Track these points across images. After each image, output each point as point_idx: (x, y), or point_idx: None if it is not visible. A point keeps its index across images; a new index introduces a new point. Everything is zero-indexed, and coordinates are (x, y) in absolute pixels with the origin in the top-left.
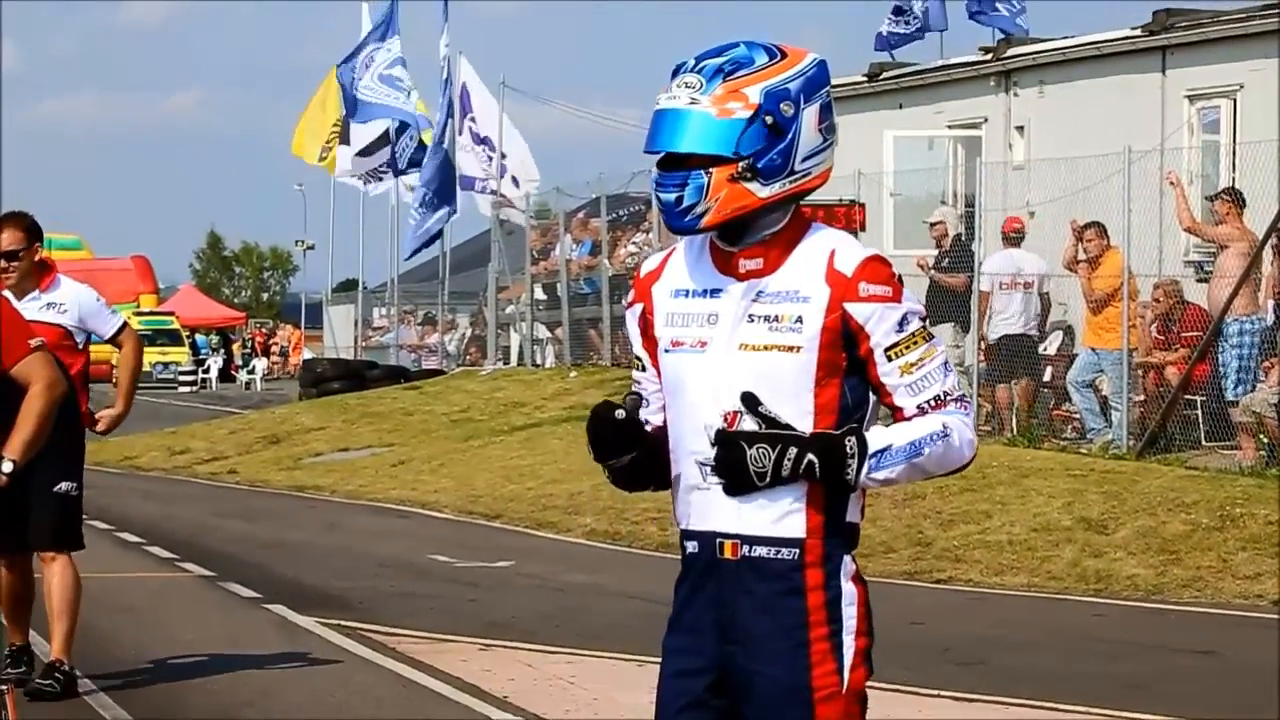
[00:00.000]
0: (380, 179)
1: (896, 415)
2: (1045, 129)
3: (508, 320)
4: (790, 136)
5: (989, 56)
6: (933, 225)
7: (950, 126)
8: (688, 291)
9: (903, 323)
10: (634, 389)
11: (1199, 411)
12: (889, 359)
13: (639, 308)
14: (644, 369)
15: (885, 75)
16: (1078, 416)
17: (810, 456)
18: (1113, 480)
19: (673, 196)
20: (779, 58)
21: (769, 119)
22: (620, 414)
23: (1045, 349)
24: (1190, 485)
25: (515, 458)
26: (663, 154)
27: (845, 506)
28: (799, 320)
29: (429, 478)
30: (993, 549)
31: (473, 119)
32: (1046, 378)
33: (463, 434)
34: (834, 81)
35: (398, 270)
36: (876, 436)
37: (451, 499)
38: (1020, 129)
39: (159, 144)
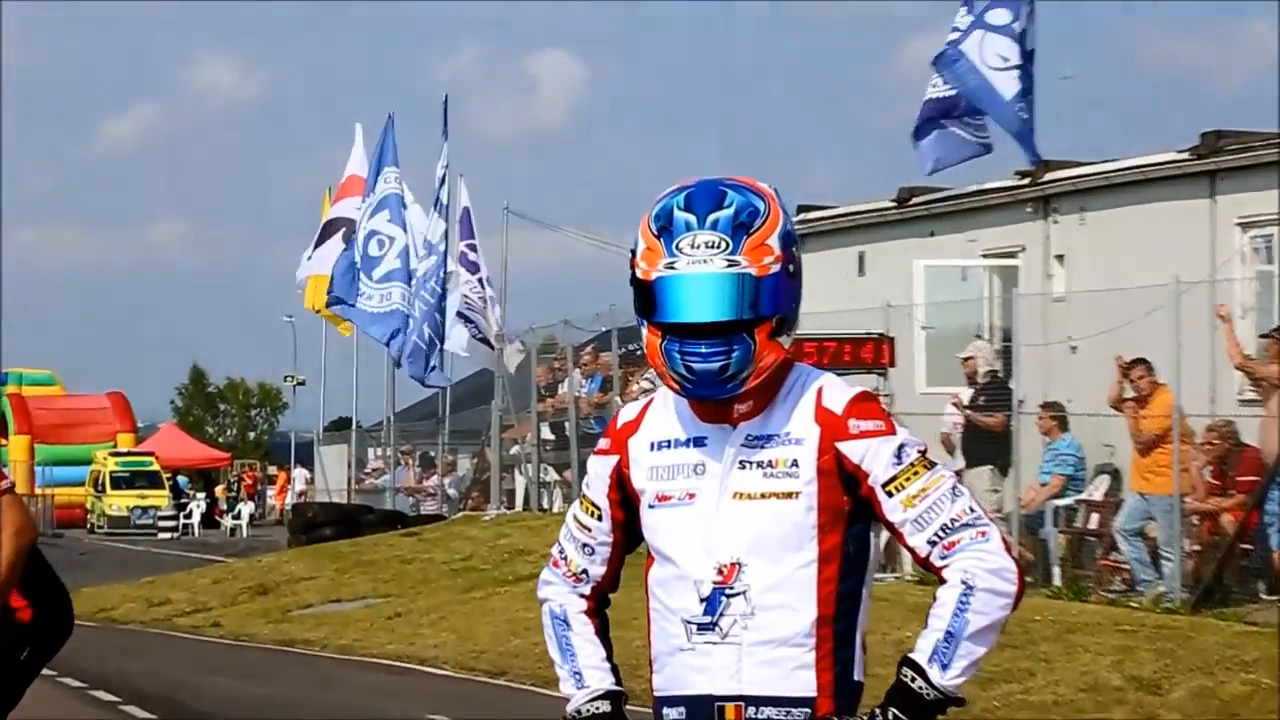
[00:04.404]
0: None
1: (915, 557)
2: (1087, 258)
3: (512, 461)
4: (800, 279)
5: (1026, 181)
6: (965, 360)
7: (985, 255)
8: (670, 442)
9: (899, 454)
10: (581, 535)
11: (1258, 563)
12: (889, 494)
13: (614, 459)
14: (600, 519)
15: (915, 200)
16: (1126, 567)
17: (891, 711)
18: (1166, 636)
19: (716, 365)
20: (763, 197)
21: (790, 267)
22: None
23: (1090, 494)
24: (1249, 642)
25: (521, 610)
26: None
27: (853, 664)
28: (794, 464)
29: (428, 631)
30: (1037, 710)
31: (472, 245)
32: (1093, 525)
33: (464, 584)
34: (862, 207)
35: (394, 408)
36: (919, 647)
37: (452, 654)
38: (1060, 258)
39: (137, 274)
